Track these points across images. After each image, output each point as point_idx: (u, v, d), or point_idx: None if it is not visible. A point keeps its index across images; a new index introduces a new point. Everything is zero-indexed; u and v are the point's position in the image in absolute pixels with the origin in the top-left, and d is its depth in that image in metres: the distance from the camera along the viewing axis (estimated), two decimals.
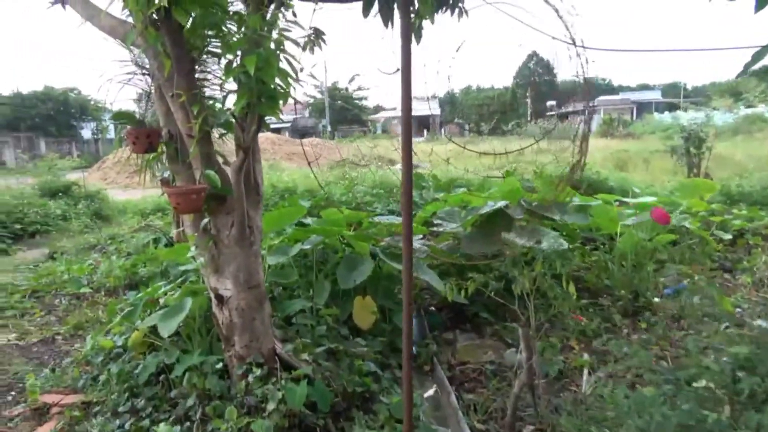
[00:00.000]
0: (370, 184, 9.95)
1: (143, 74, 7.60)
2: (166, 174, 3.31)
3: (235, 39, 2.73)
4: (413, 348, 3.28)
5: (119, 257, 7.89)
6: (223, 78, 2.81)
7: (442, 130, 62.03)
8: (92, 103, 42.17)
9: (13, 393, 3.65)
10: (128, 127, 3.15)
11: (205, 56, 3.17)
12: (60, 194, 12.11)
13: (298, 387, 2.90)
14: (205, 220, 3.14)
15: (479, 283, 3.14)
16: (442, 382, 3.69)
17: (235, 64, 2.68)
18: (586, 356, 3.92)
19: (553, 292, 3.66)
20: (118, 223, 11.36)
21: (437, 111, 61.25)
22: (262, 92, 2.72)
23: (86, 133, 42.97)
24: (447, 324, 4.64)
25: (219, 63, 3.32)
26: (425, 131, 57.22)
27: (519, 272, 3.25)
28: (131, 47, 3.31)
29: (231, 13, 2.81)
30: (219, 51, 3.07)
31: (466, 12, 2.95)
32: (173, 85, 3.07)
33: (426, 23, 2.83)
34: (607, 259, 5.36)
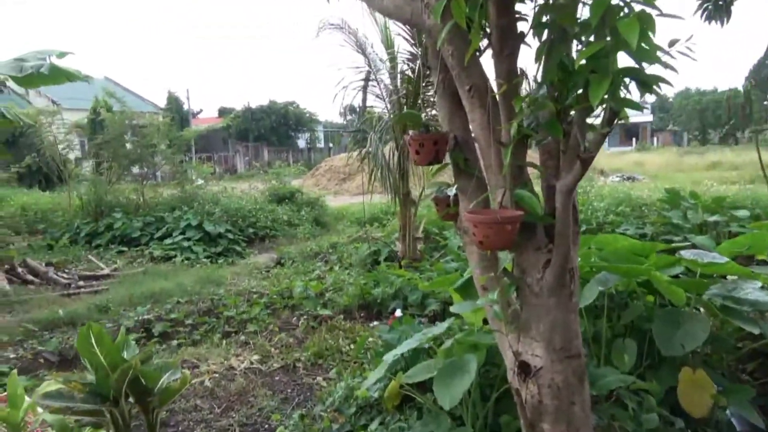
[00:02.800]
0: (612, 201, 8.47)
1: (374, 80, 7.28)
2: (451, 192, 2.56)
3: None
4: None
5: (342, 268, 7.71)
6: (575, 57, 1.92)
7: (654, 138, 55.90)
8: (307, 115, 46.19)
9: None
10: (411, 132, 2.46)
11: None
12: (286, 200, 12.76)
13: None
14: (506, 258, 2.30)
15: None
16: None
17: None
18: None
19: None
20: (336, 230, 11.52)
21: (648, 117, 55.42)
22: (629, 74, 1.79)
23: (301, 142, 47.17)
24: None
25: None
26: (633, 140, 52.15)
27: None
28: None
29: None
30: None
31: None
32: (474, 74, 2.31)
33: None
34: None
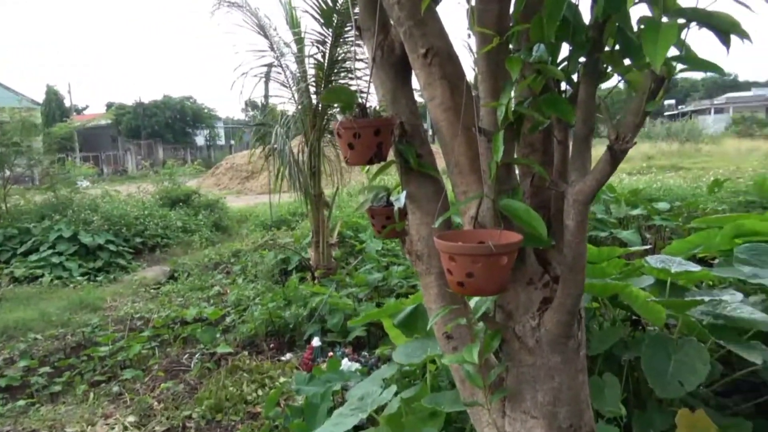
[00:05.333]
0: None
1: (279, 65, 6.37)
2: (397, 201, 1.81)
3: None
4: None
5: (246, 281, 6.74)
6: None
7: None
8: (205, 111, 43.64)
9: None
10: (340, 118, 1.67)
11: None
12: (180, 203, 11.42)
13: None
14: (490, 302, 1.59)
15: None
16: None
17: None
18: None
19: None
20: (239, 235, 10.42)
21: None
22: (700, 19, 1.15)
23: (199, 139, 44.45)
24: None
25: None
26: None
27: None
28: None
29: None
30: None
31: None
32: (432, 32, 1.59)
33: None
34: None
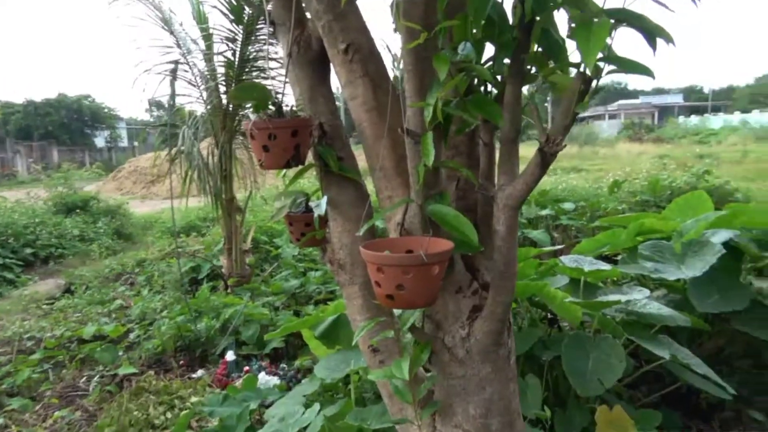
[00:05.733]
0: None
1: (187, 63, 6.02)
2: (316, 207, 1.69)
3: None
4: None
5: (152, 292, 6.31)
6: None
7: None
8: (105, 110, 40.95)
9: None
10: (253, 117, 1.53)
11: None
12: (77, 210, 10.54)
13: None
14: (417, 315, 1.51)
15: None
16: None
17: None
18: None
19: None
20: (144, 243, 9.78)
21: None
22: (630, 20, 1.13)
23: (99, 141, 41.60)
24: None
25: None
26: None
27: None
28: None
29: None
30: None
31: None
32: (352, 26, 1.50)
33: None
34: None
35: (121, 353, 4.17)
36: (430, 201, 1.39)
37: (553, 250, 4.13)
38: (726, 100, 67.13)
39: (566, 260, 3.20)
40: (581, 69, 1.18)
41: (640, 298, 2.77)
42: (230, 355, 3.68)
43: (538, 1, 1.10)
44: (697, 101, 67.99)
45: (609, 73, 1.19)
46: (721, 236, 3.44)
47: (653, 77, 1.12)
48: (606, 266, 3.10)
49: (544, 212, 7.16)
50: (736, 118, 40.31)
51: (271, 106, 1.51)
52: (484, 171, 1.51)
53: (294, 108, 1.61)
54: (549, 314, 3.32)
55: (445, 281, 1.49)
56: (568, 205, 7.35)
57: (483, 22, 1.24)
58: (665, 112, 57.53)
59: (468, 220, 1.31)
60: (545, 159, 1.24)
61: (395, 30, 1.31)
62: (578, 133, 35.41)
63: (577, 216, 7.22)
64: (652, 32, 1.11)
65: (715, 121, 42.96)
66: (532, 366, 2.72)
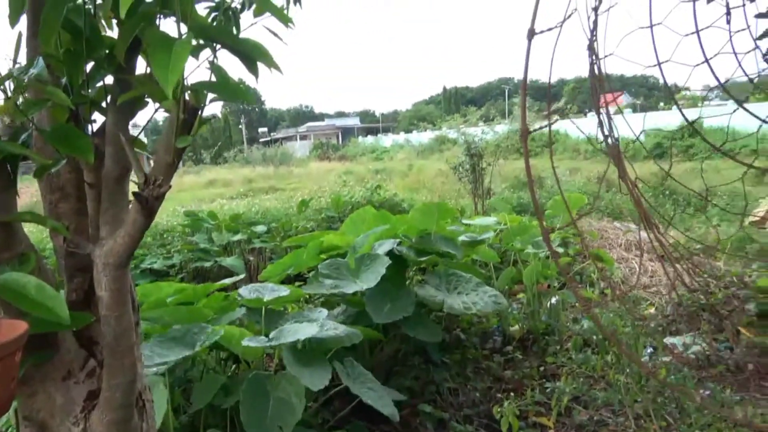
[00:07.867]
0: None
1: None
2: None
3: None
4: None
5: None
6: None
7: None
8: None
9: None
10: None
11: None
12: None
13: None
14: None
15: None
16: None
17: None
18: None
19: None
20: None
21: None
22: (221, 40, 0.99)
23: None
24: None
25: None
26: None
27: None
28: None
29: None
30: None
31: None
32: None
33: None
34: None
35: None
36: (1, 269, 1.02)
37: (239, 279, 3.98)
38: (392, 122, 78.91)
39: (245, 291, 3.06)
40: (178, 97, 0.99)
41: (319, 320, 2.79)
42: None
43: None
44: (370, 123, 78.20)
45: (213, 101, 1.04)
46: (385, 247, 3.78)
47: (254, 103, 1.00)
48: (286, 291, 3.07)
49: (236, 237, 7.00)
50: (401, 137, 47.39)
51: None
52: (92, 219, 1.21)
53: None
54: (233, 352, 3.13)
55: (48, 367, 1.14)
56: (260, 228, 7.35)
57: (57, 31, 0.96)
58: (347, 132, 64.39)
59: (54, 292, 0.99)
60: (148, 204, 1.01)
61: None
62: (273, 154, 36.75)
63: (270, 237, 7.27)
64: (249, 56, 1.00)
65: (386, 140, 49.84)
66: (216, 418, 2.47)
